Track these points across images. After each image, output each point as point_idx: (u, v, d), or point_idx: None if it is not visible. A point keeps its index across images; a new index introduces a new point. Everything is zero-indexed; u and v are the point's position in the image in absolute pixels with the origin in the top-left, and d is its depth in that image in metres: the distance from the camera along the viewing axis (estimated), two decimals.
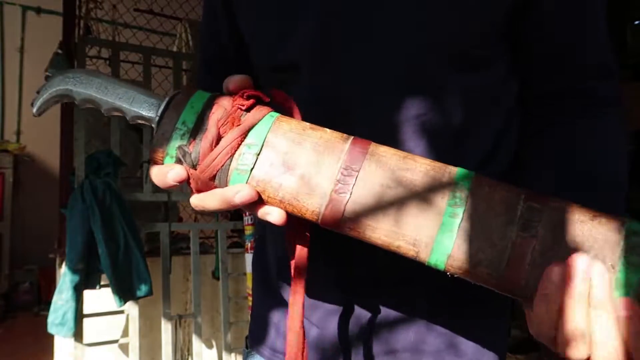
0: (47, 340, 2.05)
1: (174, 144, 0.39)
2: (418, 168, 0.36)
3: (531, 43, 0.52)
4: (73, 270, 1.70)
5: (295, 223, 0.41)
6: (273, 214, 0.38)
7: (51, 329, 1.71)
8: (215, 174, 0.38)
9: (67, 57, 1.97)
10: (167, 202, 2.17)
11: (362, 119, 0.50)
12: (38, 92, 0.43)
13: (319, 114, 0.52)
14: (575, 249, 0.32)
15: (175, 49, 2.93)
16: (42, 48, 3.17)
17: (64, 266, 1.75)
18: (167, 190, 2.24)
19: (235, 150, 0.38)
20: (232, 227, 2.27)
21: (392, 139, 0.49)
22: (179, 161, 0.39)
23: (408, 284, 0.50)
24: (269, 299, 0.60)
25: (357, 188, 0.36)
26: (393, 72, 0.49)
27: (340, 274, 0.52)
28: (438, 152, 0.49)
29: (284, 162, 0.38)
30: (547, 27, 0.50)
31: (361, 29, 0.49)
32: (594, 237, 0.32)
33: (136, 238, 1.83)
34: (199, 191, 0.39)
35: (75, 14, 2.10)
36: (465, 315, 0.52)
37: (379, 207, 0.36)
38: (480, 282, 0.34)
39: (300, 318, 0.43)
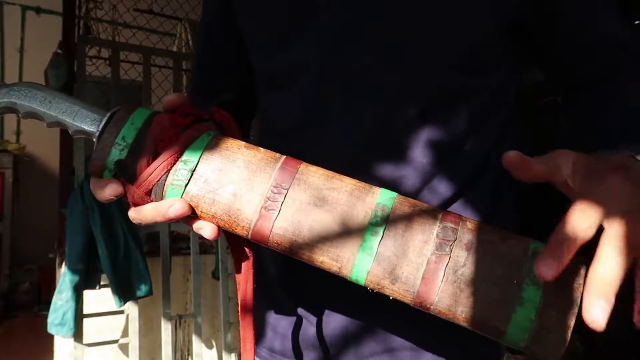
0: (47, 340, 2.04)
1: (112, 158, 0.40)
2: (344, 187, 0.38)
3: (538, 44, 0.52)
4: (73, 270, 1.70)
5: (233, 240, 0.43)
6: (206, 229, 0.39)
7: (51, 329, 1.71)
8: (151, 188, 0.39)
9: (67, 57, 1.97)
10: None
11: (360, 121, 0.50)
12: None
13: (315, 116, 0.52)
14: (485, 267, 0.34)
15: (175, 49, 2.93)
16: (41, 48, 3.17)
17: (63, 266, 1.75)
18: None
19: (172, 166, 0.39)
20: None
21: (391, 141, 0.49)
22: (116, 175, 0.40)
23: None
24: (266, 299, 0.60)
25: (286, 206, 0.38)
26: (393, 74, 0.49)
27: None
28: (437, 153, 0.49)
29: (218, 179, 0.39)
30: (552, 27, 0.50)
31: (361, 32, 0.49)
32: (502, 257, 0.34)
33: (136, 238, 1.83)
34: (135, 205, 0.41)
35: (75, 14, 2.10)
36: None
37: (305, 224, 0.37)
38: (398, 298, 0.36)
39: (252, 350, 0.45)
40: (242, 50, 0.65)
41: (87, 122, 0.43)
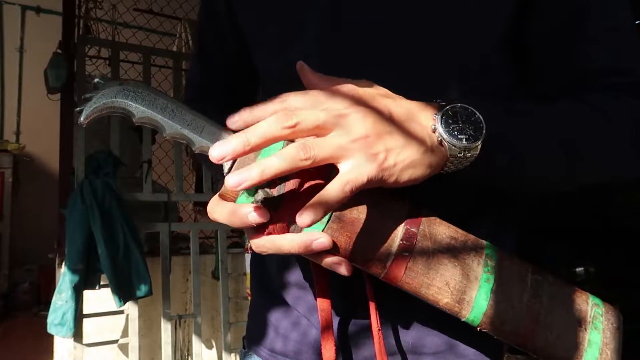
0: (47, 340, 2.05)
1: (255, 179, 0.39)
2: (460, 238, 0.42)
3: (531, 50, 0.52)
4: (73, 270, 1.70)
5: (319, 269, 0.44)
6: (342, 266, 0.40)
7: (51, 329, 1.71)
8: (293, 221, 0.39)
9: (67, 57, 1.97)
10: (167, 202, 2.16)
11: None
12: (86, 100, 0.41)
13: None
14: (564, 314, 0.41)
15: (175, 48, 2.93)
16: (41, 48, 3.17)
17: (63, 266, 1.75)
18: (167, 190, 2.24)
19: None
20: (232, 227, 2.27)
21: None
22: (258, 202, 0.38)
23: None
24: (267, 299, 0.60)
25: (417, 250, 0.40)
26: (393, 78, 0.49)
27: (341, 277, 0.52)
28: None
29: (355, 219, 0.40)
30: (544, 34, 0.49)
31: (362, 36, 0.49)
32: (573, 305, 0.42)
33: (136, 238, 1.83)
34: (268, 234, 0.40)
35: (74, 14, 2.10)
36: None
37: (434, 268, 0.41)
38: (504, 338, 0.41)
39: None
40: (243, 51, 0.65)
41: (215, 141, 0.40)
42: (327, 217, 0.39)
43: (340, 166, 0.36)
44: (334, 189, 0.35)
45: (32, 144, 4.17)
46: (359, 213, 0.40)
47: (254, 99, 0.74)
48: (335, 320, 0.53)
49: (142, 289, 1.80)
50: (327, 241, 0.38)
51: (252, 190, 0.39)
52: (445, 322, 0.52)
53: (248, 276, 2.07)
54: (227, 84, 0.70)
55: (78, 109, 0.41)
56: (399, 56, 0.48)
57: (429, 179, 0.41)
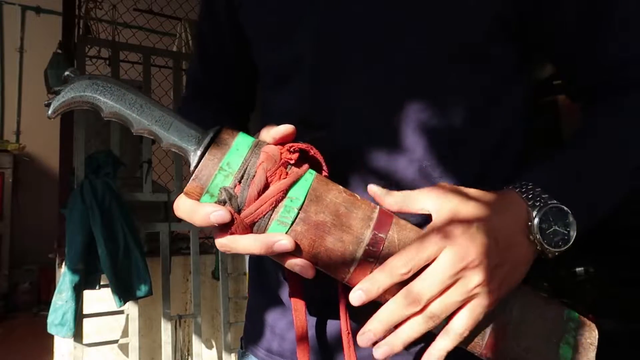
0: (47, 341, 2.05)
1: (217, 184, 0.39)
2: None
3: (548, 43, 0.51)
4: (73, 270, 1.70)
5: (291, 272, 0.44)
6: (306, 269, 0.40)
7: (51, 329, 1.71)
8: (257, 221, 0.39)
9: (67, 57, 1.97)
10: (167, 202, 2.17)
11: (360, 120, 0.50)
12: (56, 93, 0.40)
13: (314, 113, 0.52)
14: (537, 327, 0.41)
15: (175, 48, 2.93)
16: (41, 48, 3.17)
17: (63, 266, 1.75)
18: (167, 190, 2.24)
19: (280, 201, 0.39)
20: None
21: (391, 137, 0.49)
22: (221, 202, 0.39)
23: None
24: (265, 299, 0.60)
25: (382, 257, 0.39)
26: (392, 68, 0.49)
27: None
28: (438, 150, 0.49)
29: (322, 222, 0.39)
30: (561, 28, 0.49)
31: (360, 25, 0.49)
32: (547, 319, 0.41)
33: (136, 238, 1.83)
34: (231, 233, 0.40)
35: (74, 14, 2.10)
36: None
37: None
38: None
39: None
40: (243, 50, 0.65)
41: (184, 138, 0.40)
42: (292, 218, 0.39)
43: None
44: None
45: (32, 144, 4.17)
46: (326, 216, 0.40)
47: (254, 97, 0.75)
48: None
49: (142, 289, 1.80)
50: (288, 243, 0.38)
51: (215, 189, 0.39)
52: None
53: (248, 276, 2.06)
54: (226, 83, 0.71)
55: (46, 102, 0.41)
56: (397, 46, 0.48)
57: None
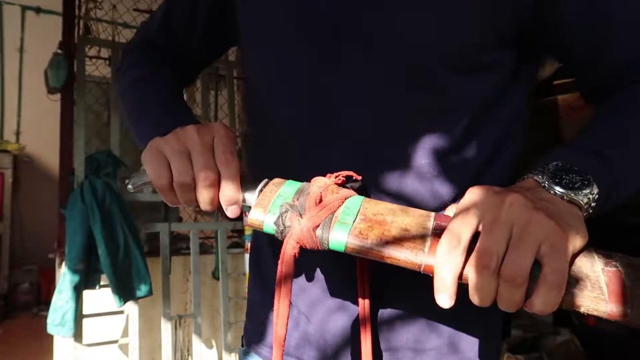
0: (47, 341, 2.04)
1: (277, 203, 0.44)
2: None
3: (556, 49, 0.51)
4: (73, 270, 1.70)
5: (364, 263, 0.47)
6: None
7: (51, 329, 1.71)
8: (320, 224, 0.42)
9: (67, 57, 1.97)
10: None
11: (359, 121, 0.50)
12: (134, 175, 0.49)
13: (315, 113, 0.52)
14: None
15: None
16: (41, 48, 3.17)
17: (63, 266, 1.75)
18: None
19: (337, 208, 0.42)
20: (232, 227, 2.27)
21: (390, 144, 0.49)
22: (284, 213, 0.43)
23: (411, 284, 0.50)
24: (266, 297, 0.60)
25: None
26: (392, 73, 0.49)
27: (344, 274, 0.52)
28: (437, 156, 0.49)
29: (383, 220, 0.41)
30: (569, 35, 0.49)
31: (361, 32, 0.49)
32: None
33: (136, 238, 1.83)
34: (297, 243, 0.42)
35: (74, 14, 2.10)
36: (466, 315, 0.52)
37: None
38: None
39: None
40: (217, 32, 0.65)
41: (244, 190, 0.46)
42: (352, 218, 0.41)
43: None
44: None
45: (32, 144, 4.17)
46: (385, 216, 0.41)
47: (196, 74, 0.75)
48: (336, 317, 0.53)
49: (142, 289, 1.80)
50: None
51: (276, 207, 0.43)
52: (447, 321, 0.52)
53: (248, 276, 2.06)
54: (181, 53, 0.69)
55: (127, 181, 0.50)
56: (397, 52, 0.48)
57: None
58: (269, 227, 0.43)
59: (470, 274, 0.36)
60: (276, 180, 0.47)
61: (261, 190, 0.45)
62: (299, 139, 0.53)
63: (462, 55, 0.48)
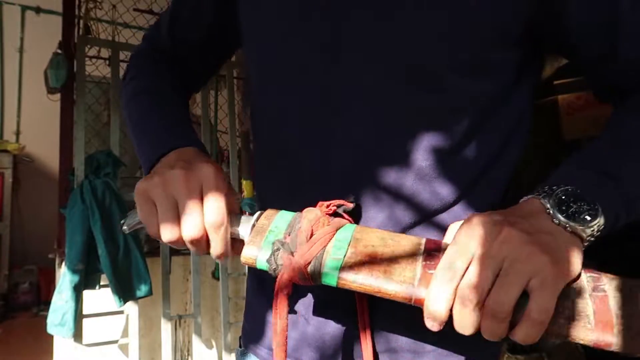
0: (47, 341, 2.04)
1: (269, 240, 0.44)
2: None
3: (565, 48, 0.51)
4: (73, 270, 1.70)
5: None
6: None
7: (51, 330, 1.70)
8: (311, 261, 0.42)
9: (67, 57, 1.97)
10: None
11: (360, 121, 0.50)
12: (129, 215, 0.49)
13: (316, 115, 0.52)
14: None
15: None
16: (41, 48, 3.17)
17: (63, 266, 1.75)
18: None
19: (328, 242, 0.43)
20: None
21: (391, 144, 0.49)
22: (275, 253, 0.43)
23: None
24: (264, 298, 0.60)
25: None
26: (392, 73, 0.49)
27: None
28: (438, 156, 0.49)
29: (374, 252, 0.42)
30: (578, 34, 0.48)
31: (360, 30, 0.49)
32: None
33: (136, 238, 1.83)
34: (290, 280, 0.43)
35: (74, 14, 2.09)
36: None
37: None
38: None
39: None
40: (224, 35, 0.65)
41: (236, 223, 0.47)
42: (343, 253, 0.42)
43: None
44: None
45: (32, 144, 4.17)
46: (375, 248, 0.42)
47: (205, 80, 0.75)
48: (336, 319, 0.53)
49: (142, 289, 1.80)
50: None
51: (268, 244, 0.44)
52: (445, 324, 0.52)
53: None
54: (188, 58, 0.69)
55: (122, 221, 0.50)
56: (398, 52, 0.48)
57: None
58: (262, 264, 0.44)
59: (455, 305, 0.36)
60: (269, 212, 0.47)
61: (254, 225, 0.46)
62: (298, 138, 0.53)
63: (463, 55, 0.48)
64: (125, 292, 1.76)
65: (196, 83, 0.73)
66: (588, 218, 0.38)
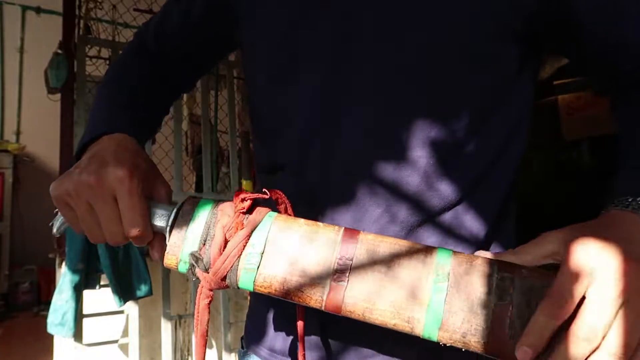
0: (47, 341, 2.04)
1: (186, 251, 0.44)
2: (403, 251, 0.40)
3: (570, 47, 0.51)
4: (73, 270, 1.70)
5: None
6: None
7: (51, 329, 1.71)
8: (226, 274, 0.43)
9: (67, 57, 1.97)
10: None
11: (360, 120, 0.50)
12: (55, 214, 0.49)
13: (316, 114, 0.52)
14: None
15: None
16: (42, 48, 3.17)
17: (63, 266, 1.75)
18: None
19: (242, 252, 0.43)
20: None
21: (394, 141, 0.49)
22: (192, 266, 0.44)
23: None
24: (267, 298, 0.60)
25: (353, 276, 0.40)
26: (393, 69, 0.49)
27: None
28: (441, 153, 0.49)
29: (287, 259, 0.42)
30: (581, 28, 0.48)
31: (361, 29, 0.49)
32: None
33: None
34: (209, 291, 0.45)
35: (75, 14, 2.10)
36: None
37: (374, 291, 0.39)
38: (472, 349, 0.37)
39: None
40: (216, 42, 0.66)
41: (158, 219, 0.46)
42: (256, 263, 0.42)
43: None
44: None
45: (32, 144, 4.17)
46: (288, 252, 0.42)
47: (192, 82, 0.75)
48: (337, 319, 0.53)
49: (142, 289, 1.80)
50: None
51: (186, 256, 0.44)
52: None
53: None
54: (176, 58, 0.69)
55: (51, 224, 0.50)
56: (399, 47, 0.48)
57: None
58: (183, 271, 0.45)
59: (569, 346, 0.34)
60: (186, 206, 0.45)
61: (172, 227, 0.45)
62: (299, 138, 0.53)
63: (463, 46, 0.48)
64: (125, 292, 1.76)
65: (185, 82, 0.73)
66: None
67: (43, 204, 3.87)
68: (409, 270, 0.39)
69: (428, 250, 0.40)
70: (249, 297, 2.07)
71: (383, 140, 0.50)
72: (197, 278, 0.44)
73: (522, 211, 0.59)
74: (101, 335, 1.92)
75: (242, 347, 0.64)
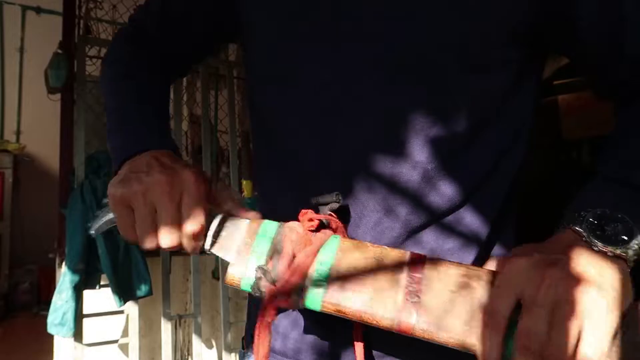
0: (47, 340, 2.04)
1: (252, 264, 0.44)
2: (472, 273, 0.41)
3: (570, 50, 0.51)
4: (73, 270, 1.70)
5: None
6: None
7: (51, 329, 1.71)
8: (293, 289, 0.42)
9: (67, 57, 1.97)
10: None
11: (360, 120, 0.50)
12: (96, 216, 0.50)
13: (316, 114, 0.52)
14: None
15: None
16: (42, 48, 3.17)
17: (63, 266, 1.75)
18: None
19: (310, 266, 0.43)
20: None
21: (395, 143, 0.49)
22: (259, 279, 0.43)
23: None
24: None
25: (424, 295, 0.40)
26: (394, 71, 0.49)
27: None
28: (442, 155, 0.49)
29: (356, 277, 0.42)
30: (583, 32, 0.48)
31: (360, 29, 0.49)
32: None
33: None
34: (273, 308, 0.43)
35: (75, 14, 2.09)
36: None
37: (446, 310, 0.39)
38: None
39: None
40: (216, 31, 0.65)
41: (215, 226, 0.46)
42: (325, 279, 0.41)
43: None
44: None
45: (32, 144, 4.17)
46: (358, 270, 0.41)
47: (187, 69, 0.74)
48: (336, 319, 0.53)
49: (142, 289, 1.80)
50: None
51: (252, 270, 0.44)
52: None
53: None
54: (175, 45, 0.68)
55: (88, 224, 0.49)
56: (401, 53, 0.48)
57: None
58: (246, 288, 0.44)
59: (515, 355, 0.35)
60: (252, 225, 0.46)
61: (217, 232, 0.46)
62: (298, 138, 0.53)
63: (464, 51, 0.48)
64: (125, 292, 1.76)
65: (181, 69, 0.73)
66: (625, 238, 0.37)
67: (43, 204, 3.88)
68: (479, 292, 0.39)
69: (481, 271, 0.41)
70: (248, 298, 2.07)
71: (383, 140, 0.49)
72: (263, 293, 0.43)
73: (522, 211, 0.59)
74: (101, 335, 1.92)
75: (243, 348, 0.64)
